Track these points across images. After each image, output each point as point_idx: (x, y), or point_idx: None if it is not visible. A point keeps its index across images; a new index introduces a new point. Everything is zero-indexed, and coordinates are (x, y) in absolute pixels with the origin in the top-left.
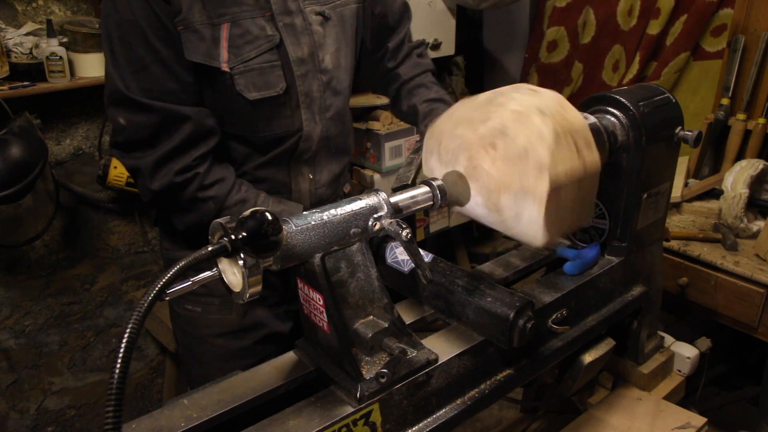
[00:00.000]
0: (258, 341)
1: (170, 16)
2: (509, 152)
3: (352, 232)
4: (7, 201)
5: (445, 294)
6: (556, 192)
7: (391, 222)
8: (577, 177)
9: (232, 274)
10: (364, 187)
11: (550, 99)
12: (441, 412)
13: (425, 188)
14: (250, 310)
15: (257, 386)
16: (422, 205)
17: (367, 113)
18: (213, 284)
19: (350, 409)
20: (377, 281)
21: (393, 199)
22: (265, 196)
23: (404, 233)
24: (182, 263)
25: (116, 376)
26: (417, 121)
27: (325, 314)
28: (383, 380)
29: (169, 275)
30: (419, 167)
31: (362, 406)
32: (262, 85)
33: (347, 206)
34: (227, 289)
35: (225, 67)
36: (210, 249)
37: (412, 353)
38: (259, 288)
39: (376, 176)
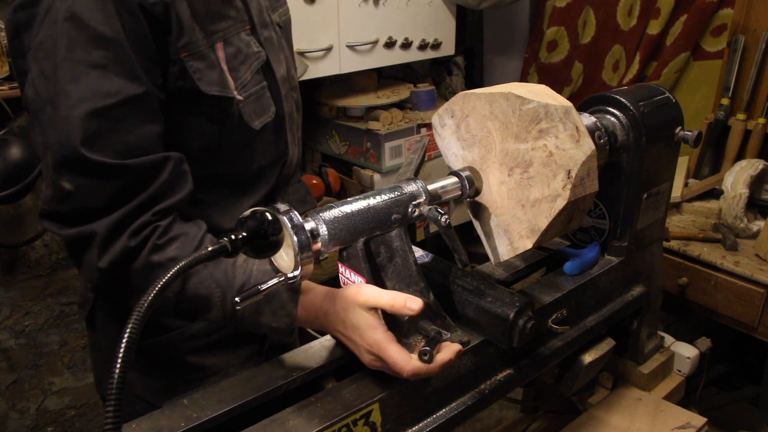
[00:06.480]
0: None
1: (163, 37)
2: (518, 190)
3: (393, 217)
4: (7, 201)
5: (445, 294)
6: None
7: (429, 209)
8: (552, 236)
9: (281, 257)
10: (364, 188)
11: (584, 159)
12: (441, 412)
13: (454, 179)
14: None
15: (257, 386)
16: (452, 195)
17: (367, 113)
18: None
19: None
20: (414, 265)
21: (430, 187)
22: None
23: (443, 219)
24: (182, 263)
25: (116, 376)
26: None
27: None
28: (426, 358)
29: (169, 276)
30: (418, 168)
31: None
32: (260, 110)
33: (389, 193)
34: (276, 271)
35: (239, 96)
36: (210, 249)
37: (446, 335)
38: (310, 270)
39: (376, 176)
